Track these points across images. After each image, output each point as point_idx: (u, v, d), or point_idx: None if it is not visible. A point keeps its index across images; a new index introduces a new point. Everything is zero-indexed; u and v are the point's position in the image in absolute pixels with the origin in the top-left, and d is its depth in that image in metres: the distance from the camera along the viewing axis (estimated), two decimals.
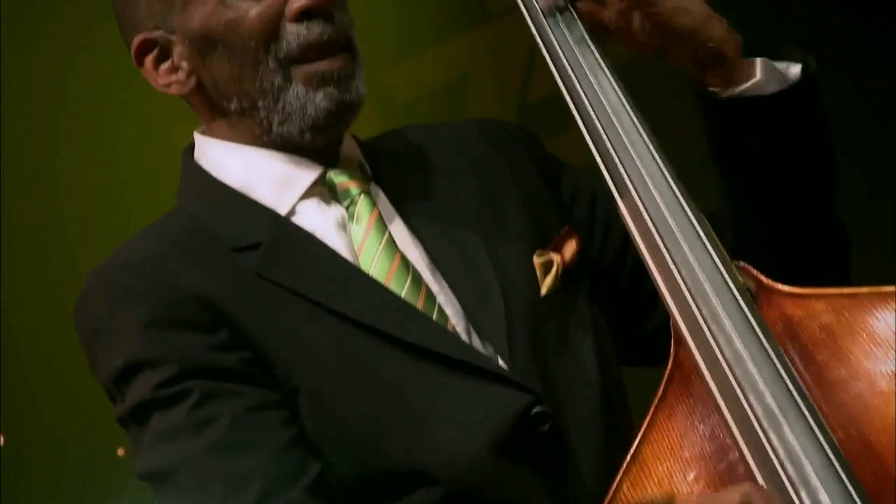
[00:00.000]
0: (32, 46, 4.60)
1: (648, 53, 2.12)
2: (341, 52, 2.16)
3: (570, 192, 2.33)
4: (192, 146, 2.27)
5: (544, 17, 2.07)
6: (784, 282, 1.87)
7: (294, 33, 2.11)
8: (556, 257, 2.19)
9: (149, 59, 2.20)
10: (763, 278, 1.89)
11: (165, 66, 2.19)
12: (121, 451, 4.45)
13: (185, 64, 2.18)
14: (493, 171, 2.28)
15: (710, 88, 2.12)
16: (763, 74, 2.09)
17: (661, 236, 1.90)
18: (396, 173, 2.25)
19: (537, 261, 2.18)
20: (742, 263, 1.91)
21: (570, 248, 2.21)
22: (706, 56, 2.10)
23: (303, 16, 2.12)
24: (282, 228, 2.15)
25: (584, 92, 2.02)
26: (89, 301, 2.11)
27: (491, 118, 2.44)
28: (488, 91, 5.32)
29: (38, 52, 4.61)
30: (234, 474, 2.00)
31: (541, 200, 2.28)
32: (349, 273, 2.12)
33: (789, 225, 2.14)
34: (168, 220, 2.22)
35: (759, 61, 2.11)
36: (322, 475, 2.02)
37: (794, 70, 2.12)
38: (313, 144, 2.18)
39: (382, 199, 2.23)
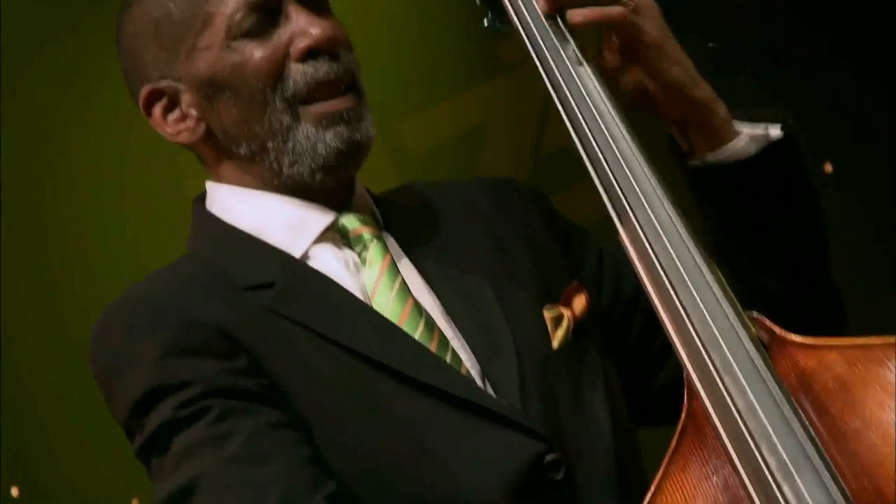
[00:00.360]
0: (33, 103, 4.64)
1: (635, 108, 2.14)
2: (348, 92, 2.17)
3: (579, 250, 2.34)
4: (202, 196, 2.29)
5: (557, 68, 2.08)
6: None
7: (300, 72, 2.13)
8: (566, 311, 2.19)
9: (157, 109, 2.21)
10: (776, 329, 1.89)
11: (174, 115, 2.21)
12: (135, 502, 4.44)
13: (193, 111, 2.19)
14: (501, 228, 2.29)
15: (691, 153, 2.16)
16: (745, 139, 2.13)
17: (673, 286, 1.90)
18: (407, 224, 2.26)
19: (548, 314, 2.18)
20: (755, 314, 1.91)
21: (580, 302, 2.21)
22: (692, 114, 2.13)
23: (308, 55, 2.13)
24: (295, 269, 2.16)
25: (595, 141, 2.03)
26: (106, 335, 2.12)
27: (499, 176, 2.45)
28: (503, 142, 5.34)
29: (39, 108, 4.65)
30: (254, 483, 1.99)
31: (549, 256, 2.29)
32: (362, 310, 2.13)
33: (780, 285, 2.16)
34: (180, 263, 2.23)
35: (741, 124, 2.15)
36: (338, 492, 2.02)
37: (775, 132, 2.15)
38: (324, 185, 2.19)
39: (394, 246, 2.24)
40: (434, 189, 2.39)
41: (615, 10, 2.07)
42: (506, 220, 2.30)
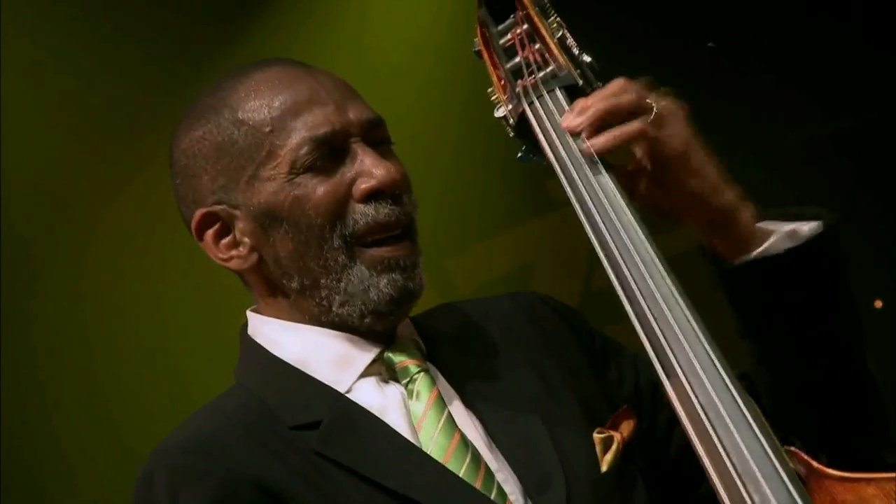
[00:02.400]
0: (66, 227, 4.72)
1: (659, 216, 2.12)
2: (405, 238, 2.17)
3: (617, 370, 2.32)
4: (246, 325, 2.30)
5: (598, 212, 2.07)
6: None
7: (361, 213, 2.12)
8: (615, 434, 2.18)
9: (209, 233, 2.20)
10: (813, 463, 1.87)
11: (226, 240, 2.19)
12: None
13: (247, 239, 2.18)
14: (538, 348, 2.27)
15: (721, 254, 2.11)
16: (775, 239, 2.09)
17: (710, 421, 1.89)
18: (451, 351, 2.25)
19: (598, 437, 2.17)
20: (792, 448, 1.89)
21: (629, 426, 2.20)
22: (715, 221, 2.10)
23: (371, 197, 2.12)
24: (341, 406, 2.14)
25: (633, 279, 2.02)
26: (150, 482, 2.09)
27: (531, 291, 2.44)
28: (552, 278, 5.36)
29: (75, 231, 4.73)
30: None
31: (587, 376, 2.27)
32: (408, 452, 2.11)
33: (819, 381, 2.11)
34: (227, 399, 2.22)
35: (771, 226, 2.11)
36: None
37: (807, 228, 2.10)
38: (371, 329, 2.19)
39: (439, 376, 2.22)
40: (470, 309, 2.37)
41: (633, 128, 2.05)
42: (541, 339, 2.29)
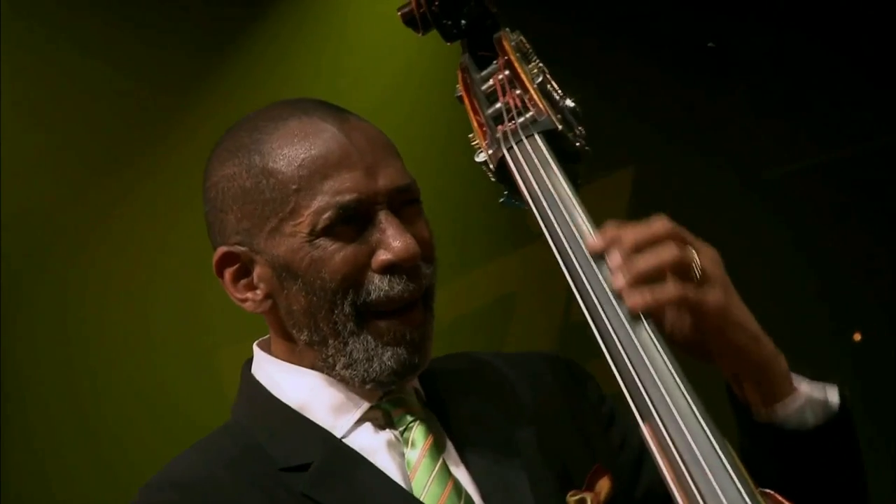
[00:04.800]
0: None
1: (689, 355, 2.09)
2: (416, 307, 2.12)
3: (620, 436, 2.32)
4: (250, 360, 2.28)
5: (580, 266, 2.07)
6: None
7: (376, 285, 2.09)
8: (588, 496, 2.17)
9: (229, 272, 2.17)
10: (787, 503, 1.89)
11: (244, 281, 2.16)
12: None
13: (263, 286, 2.15)
14: (545, 408, 2.25)
15: (750, 402, 2.07)
16: (802, 399, 2.06)
17: (685, 464, 1.89)
18: (450, 401, 2.24)
19: (571, 500, 2.16)
20: (768, 490, 1.90)
21: (604, 486, 2.20)
22: (750, 372, 2.06)
23: (389, 269, 2.09)
24: (334, 450, 2.14)
25: (606, 316, 2.02)
26: None
27: (552, 353, 2.41)
28: (533, 310, 5.37)
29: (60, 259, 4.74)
30: None
31: (589, 441, 2.27)
32: (400, 497, 2.10)
33: None
34: (221, 436, 2.21)
35: (799, 380, 2.07)
36: None
37: (832, 396, 2.07)
38: (371, 392, 2.17)
39: (436, 424, 2.22)
40: (485, 361, 2.36)
41: (675, 294, 1.95)
42: (551, 400, 2.27)
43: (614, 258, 1.94)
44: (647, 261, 1.93)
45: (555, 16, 5.41)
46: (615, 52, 5.52)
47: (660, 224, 1.96)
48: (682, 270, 1.95)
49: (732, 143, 5.65)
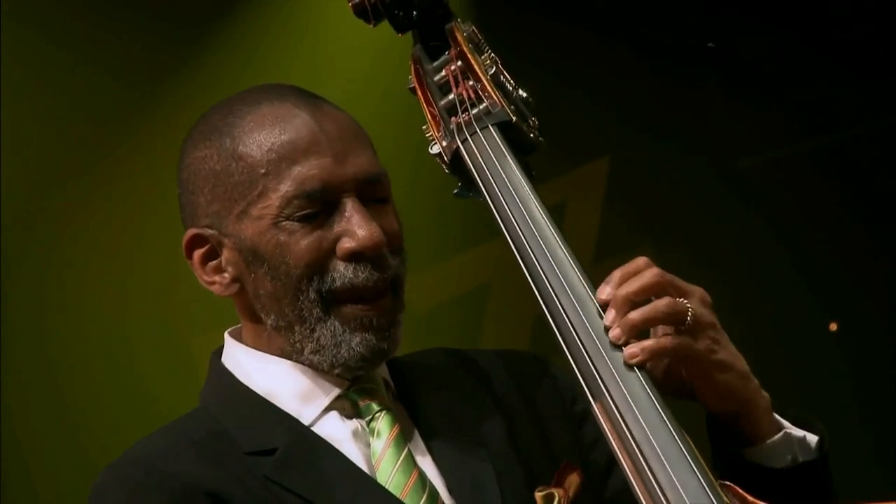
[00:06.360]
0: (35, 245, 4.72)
1: (673, 396, 2.09)
2: (385, 295, 2.12)
3: (593, 435, 2.31)
4: (220, 348, 2.28)
5: (539, 263, 2.07)
6: None
7: (340, 272, 2.10)
8: (558, 491, 2.17)
9: (197, 254, 2.17)
10: (748, 497, 1.88)
11: (212, 264, 2.16)
12: None
13: (231, 269, 2.16)
14: (517, 405, 2.24)
15: (731, 437, 2.06)
16: (782, 440, 2.04)
17: (644, 458, 1.89)
18: (421, 394, 2.23)
19: (538, 495, 2.15)
20: (727, 482, 1.90)
21: (573, 482, 2.19)
22: (734, 409, 2.03)
23: (353, 257, 2.09)
24: (300, 436, 2.13)
25: (564, 310, 2.02)
26: (102, 496, 2.09)
27: (528, 352, 2.40)
28: (508, 300, 5.37)
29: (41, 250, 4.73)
30: None
31: (558, 438, 2.26)
32: (363, 484, 2.10)
33: None
34: (187, 420, 2.21)
35: (781, 425, 2.05)
36: None
37: (811, 437, 2.07)
38: (340, 377, 2.17)
39: (403, 415, 2.21)
40: (457, 358, 2.35)
41: (669, 345, 1.96)
42: (523, 399, 2.26)
43: (609, 315, 1.95)
44: (643, 315, 1.94)
45: (529, 6, 5.40)
46: (589, 42, 5.51)
47: (650, 274, 1.97)
48: (675, 321, 1.95)
49: (707, 133, 5.65)
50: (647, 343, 1.94)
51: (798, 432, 2.05)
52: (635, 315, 1.94)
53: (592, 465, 2.23)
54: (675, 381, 2.03)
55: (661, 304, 1.95)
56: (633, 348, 1.93)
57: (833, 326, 5.82)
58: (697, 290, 2.00)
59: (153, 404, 4.53)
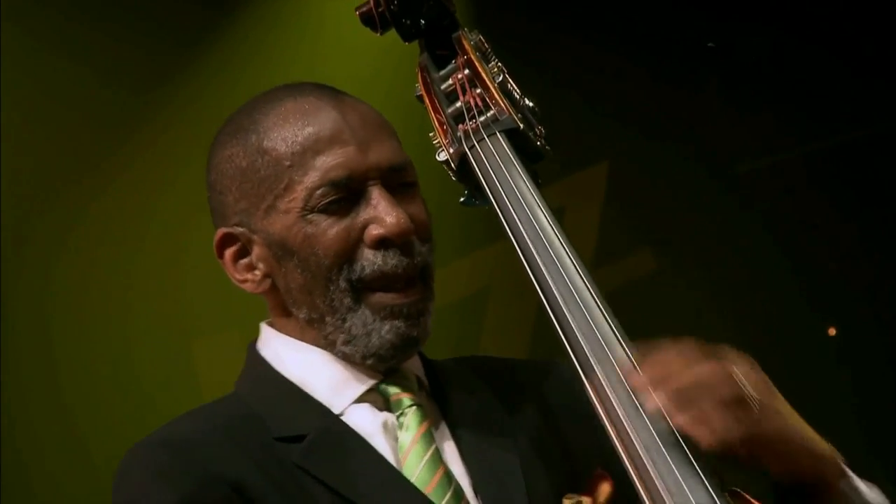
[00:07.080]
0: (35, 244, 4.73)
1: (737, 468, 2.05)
2: (415, 284, 2.14)
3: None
4: (256, 339, 2.27)
5: (545, 270, 2.08)
6: None
7: (369, 260, 2.11)
8: (586, 499, 2.16)
9: (229, 253, 2.18)
10: (755, 503, 1.89)
11: (244, 262, 2.18)
12: None
13: (262, 265, 2.16)
14: (550, 413, 2.26)
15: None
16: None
17: (654, 465, 1.89)
18: (455, 394, 2.25)
19: (567, 502, 2.15)
20: (735, 489, 1.91)
21: (605, 491, 2.19)
22: (803, 480, 1.97)
23: (381, 244, 2.11)
24: (330, 425, 2.14)
25: (569, 314, 2.02)
26: (127, 475, 2.10)
27: (562, 364, 2.39)
28: (509, 304, 5.38)
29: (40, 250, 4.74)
30: None
31: (587, 450, 2.26)
32: (389, 476, 2.11)
33: None
34: (217, 405, 2.23)
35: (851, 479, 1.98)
36: None
37: (877, 496, 2.01)
38: (373, 368, 2.18)
39: (435, 413, 2.22)
40: (492, 365, 2.36)
41: (738, 434, 1.88)
42: (557, 408, 2.26)
43: (660, 398, 1.89)
44: (713, 401, 1.87)
45: (529, 13, 5.41)
46: (589, 48, 5.52)
47: (708, 367, 1.90)
48: (738, 406, 1.89)
49: (706, 137, 5.66)
50: (719, 430, 1.86)
51: (869, 493, 2.00)
52: (707, 401, 1.87)
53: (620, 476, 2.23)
54: (737, 456, 1.93)
55: (727, 388, 1.88)
56: (703, 431, 1.87)
57: (832, 331, 5.83)
58: (753, 370, 1.93)
59: (153, 406, 4.53)
